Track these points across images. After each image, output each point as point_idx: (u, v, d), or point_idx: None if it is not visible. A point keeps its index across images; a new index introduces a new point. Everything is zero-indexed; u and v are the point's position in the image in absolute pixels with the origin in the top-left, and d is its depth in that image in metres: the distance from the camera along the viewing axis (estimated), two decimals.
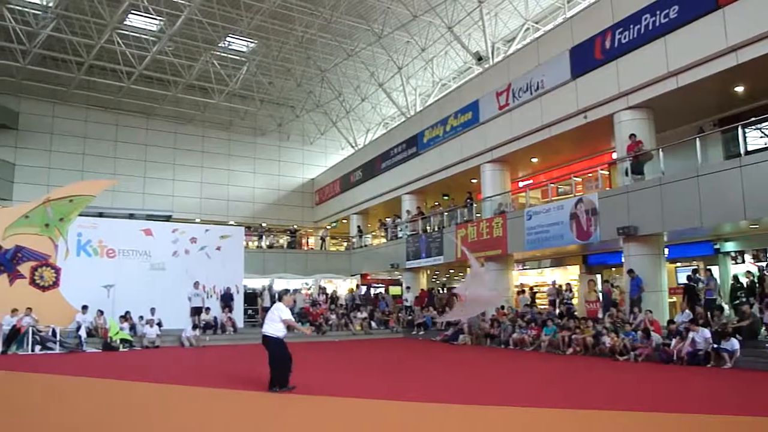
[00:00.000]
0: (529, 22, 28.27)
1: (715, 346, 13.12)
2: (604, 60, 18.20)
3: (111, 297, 20.40)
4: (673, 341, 14.06)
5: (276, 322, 10.25)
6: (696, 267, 18.38)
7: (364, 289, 29.50)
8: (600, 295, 18.60)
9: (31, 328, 17.64)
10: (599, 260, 22.55)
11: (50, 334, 18.05)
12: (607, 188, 19.53)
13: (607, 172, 20.59)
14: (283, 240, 35.02)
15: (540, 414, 8.33)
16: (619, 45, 17.69)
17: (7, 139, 31.96)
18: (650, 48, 16.73)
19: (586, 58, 18.90)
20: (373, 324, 24.97)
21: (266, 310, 25.31)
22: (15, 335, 17.40)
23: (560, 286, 21.12)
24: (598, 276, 21.93)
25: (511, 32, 29.31)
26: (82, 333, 18.49)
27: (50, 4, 26.47)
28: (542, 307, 21.40)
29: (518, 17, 28.24)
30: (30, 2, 26.63)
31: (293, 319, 10.96)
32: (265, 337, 10.22)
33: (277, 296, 10.82)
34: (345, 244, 36.28)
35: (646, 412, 8.23)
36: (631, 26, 17.24)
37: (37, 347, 17.52)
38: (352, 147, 38.70)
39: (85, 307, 19.47)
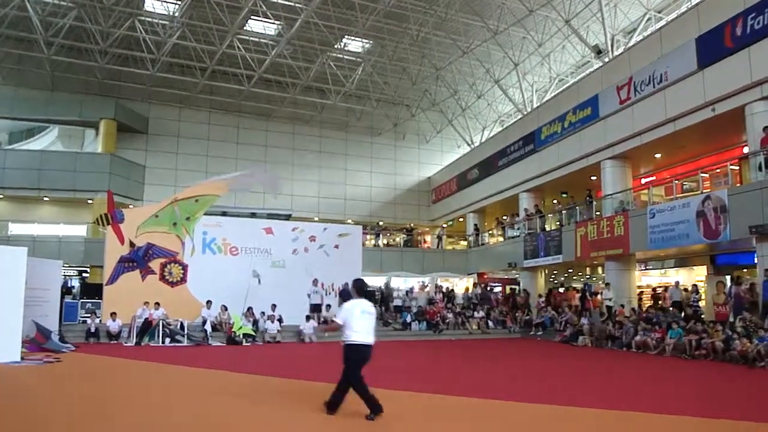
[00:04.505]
0: (651, 11, 27.09)
1: None
2: (735, 48, 17.17)
3: (260, 285, 21.41)
4: None
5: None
6: None
7: (480, 288, 29.29)
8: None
9: (161, 321, 18.92)
10: (729, 260, 21.27)
11: (179, 327, 19.28)
12: (738, 184, 18.37)
13: (738, 168, 19.36)
14: (400, 238, 35.41)
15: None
16: (751, 31, 16.63)
17: (138, 143, 34.39)
18: None
19: (714, 47, 17.90)
20: (490, 323, 24.79)
21: (391, 309, 25.83)
22: (147, 328, 18.76)
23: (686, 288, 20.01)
24: (728, 277, 20.72)
25: (631, 23, 28.16)
26: (208, 327, 19.55)
27: (176, 14, 28.25)
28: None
29: (639, 7, 27.08)
30: (158, 13, 28.66)
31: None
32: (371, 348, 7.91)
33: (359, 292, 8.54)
34: (462, 243, 36.16)
35: None
36: (766, 11, 16.15)
37: (167, 339, 18.76)
38: (469, 145, 38.53)
39: (209, 302, 20.42)
